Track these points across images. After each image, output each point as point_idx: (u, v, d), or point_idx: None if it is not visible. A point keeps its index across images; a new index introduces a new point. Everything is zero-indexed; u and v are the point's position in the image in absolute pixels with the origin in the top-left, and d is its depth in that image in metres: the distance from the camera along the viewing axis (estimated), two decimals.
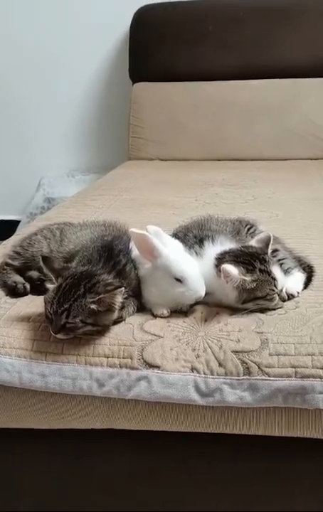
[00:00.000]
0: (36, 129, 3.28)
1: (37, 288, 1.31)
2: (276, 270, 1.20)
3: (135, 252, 1.25)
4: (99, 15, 3.06)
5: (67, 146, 3.30)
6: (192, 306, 1.22)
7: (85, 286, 1.11)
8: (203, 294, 1.18)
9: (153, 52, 2.95)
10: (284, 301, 1.22)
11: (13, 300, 1.29)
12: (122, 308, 1.16)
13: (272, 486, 1.22)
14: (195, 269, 1.19)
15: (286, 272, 1.27)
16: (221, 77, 2.90)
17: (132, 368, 1.11)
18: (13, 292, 1.31)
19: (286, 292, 1.23)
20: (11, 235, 1.78)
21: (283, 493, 1.23)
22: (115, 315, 1.15)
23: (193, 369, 1.10)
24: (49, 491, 1.32)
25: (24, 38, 3.14)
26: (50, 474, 1.31)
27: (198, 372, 1.09)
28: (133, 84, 3.02)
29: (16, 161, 3.33)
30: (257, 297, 1.18)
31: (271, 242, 1.25)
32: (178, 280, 1.17)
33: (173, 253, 1.19)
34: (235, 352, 1.10)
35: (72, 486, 1.31)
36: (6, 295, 1.31)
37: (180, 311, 1.20)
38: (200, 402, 1.09)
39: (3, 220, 3.30)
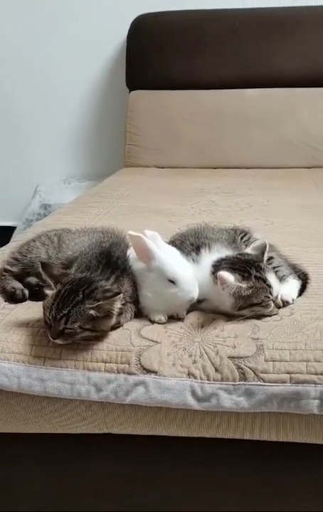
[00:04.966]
0: (33, 135, 3.30)
1: (35, 294, 1.32)
2: (271, 277, 1.22)
3: (132, 258, 1.27)
4: (96, 23, 3.08)
5: (64, 153, 3.32)
6: (188, 312, 1.24)
7: (84, 293, 1.12)
8: (195, 295, 1.20)
9: (150, 60, 2.97)
10: (279, 307, 1.24)
11: (12, 306, 1.30)
12: (120, 314, 1.18)
13: (271, 491, 1.24)
14: (188, 271, 1.21)
15: (281, 279, 1.29)
16: (218, 86, 2.92)
17: (130, 373, 1.12)
18: (12, 298, 1.32)
19: (281, 299, 1.25)
20: (7, 241, 1.79)
21: (283, 499, 1.24)
22: (113, 321, 1.16)
23: (189, 374, 1.11)
24: (47, 495, 1.33)
25: (21, 45, 3.15)
26: (48, 478, 1.31)
27: (195, 377, 1.11)
28: (130, 92, 3.04)
29: (12, 167, 3.34)
30: (252, 304, 1.19)
31: (267, 249, 1.27)
32: (171, 281, 1.18)
33: (167, 255, 1.21)
34: (231, 358, 1.12)
35: (70, 490, 1.32)
36: (5, 301, 1.32)
37: (177, 318, 1.22)
38: (196, 407, 1.11)
39: (0, 227, 3.31)
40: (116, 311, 1.15)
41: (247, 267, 1.21)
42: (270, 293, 1.20)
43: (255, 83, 2.89)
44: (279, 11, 2.91)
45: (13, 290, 1.33)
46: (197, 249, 1.31)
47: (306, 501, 1.24)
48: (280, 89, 2.87)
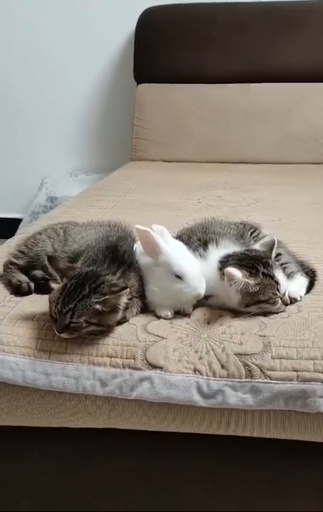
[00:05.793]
0: (40, 127, 3.29)
1: (41, 287, 1.32)
2: (279, 274, 1.21)
3: (139, 252, 1.26)
4: (105, 16, 3.06)
5: (71, 146, 3.31)
6: (194, 308, 1.23)
7: (90, 287, 1.12)
8: (202, 291, 1.19)
9: (158, 53, 2.95)
10: (286, 305, 1.23)
11: (18, 299, 1.29)
12: (126, 308, 1.17)
13: (273, 488, 1.23)
14: (195, 267, 1.20)
15: (289, 276, 1.28)
16: (225, 80, 2.90)
17: (135, 369, 1.12)
18: (18, 291, 1.32)
19: (289, 296, 1.24)
20: (13, 233, 1.78)
21: (284, 496, 1.24)
22: (119, 315, 1.16)
23: (195, 370, 1.11)
24: (47, 490, 1.32)
25: (29, 38, 3.14)
26: (48, 474, 1.31)
27: (201, 373, 1.10)
28: (137, 85, 3.03)
29: (19, 160, 3.33)
30: (260, 301, 1.18)
31: (275, 246, 1.26)
32: (178, 277, 1.18)
33: (174, 250, 1.21)
34: (238, 354, 1.11)
35: (70, 486, 1.31)
36: (11, 294, 1.32)
37: (184, 314, 1.21)
38: (202, 403, 1.10)
39: (6, 218, 3.30)
40: (122, 305, 1.14)
41: (255, 263, 1.20)
42: (278, 290, 1.19)
43: (263, 77, 2.87)
44: (287, 5, 2.89)
45: (18, 283, 1.32)
46: (204, 244, 1.30)
47: (306, 501, 1.24)
48: (288, 83, 2.85)
